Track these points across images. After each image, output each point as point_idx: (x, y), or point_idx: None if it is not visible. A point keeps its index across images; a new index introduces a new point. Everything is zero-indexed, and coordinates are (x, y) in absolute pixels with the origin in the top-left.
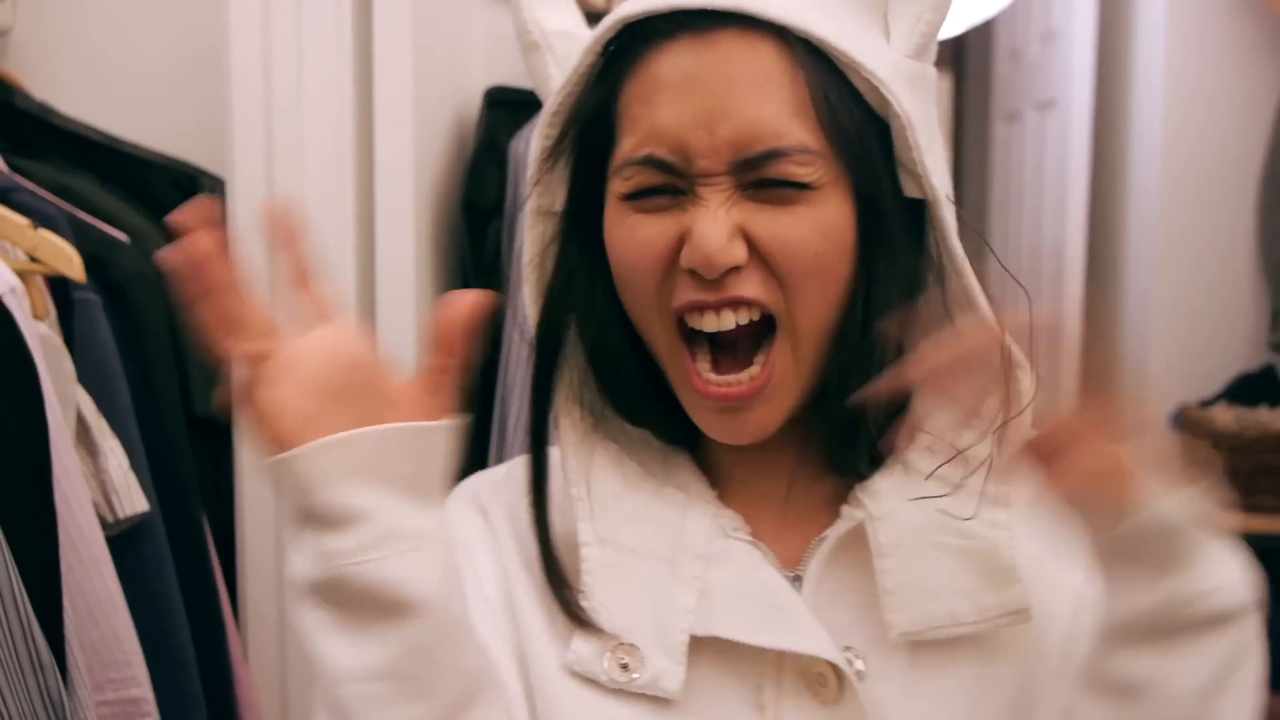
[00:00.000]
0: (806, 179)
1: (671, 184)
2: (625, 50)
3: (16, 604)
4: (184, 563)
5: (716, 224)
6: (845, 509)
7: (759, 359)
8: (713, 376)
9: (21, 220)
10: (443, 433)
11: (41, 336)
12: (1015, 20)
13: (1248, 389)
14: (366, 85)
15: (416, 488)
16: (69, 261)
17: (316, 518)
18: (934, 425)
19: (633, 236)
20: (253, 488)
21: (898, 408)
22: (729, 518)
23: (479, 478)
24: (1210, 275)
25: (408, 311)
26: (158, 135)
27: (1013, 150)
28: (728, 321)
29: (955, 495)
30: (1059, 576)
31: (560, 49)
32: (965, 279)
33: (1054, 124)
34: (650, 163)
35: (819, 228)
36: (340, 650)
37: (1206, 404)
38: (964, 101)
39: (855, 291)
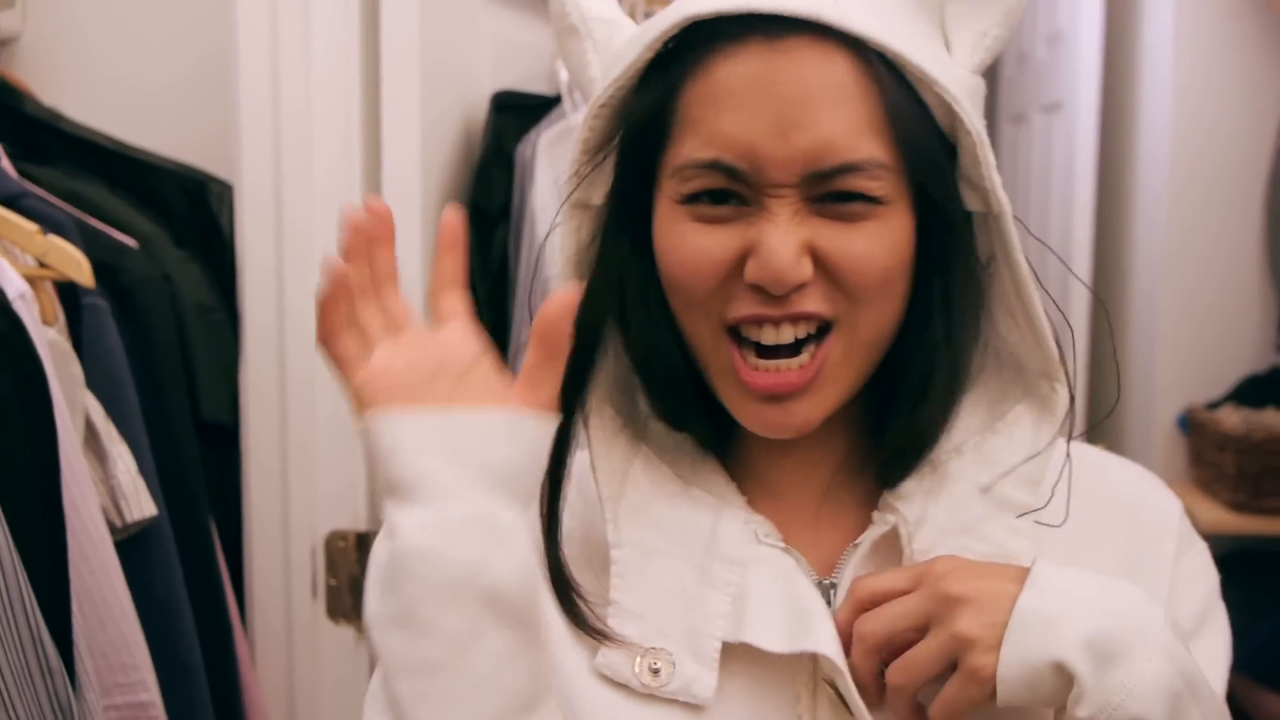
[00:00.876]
0: (877, 193)
1: (736, 191)
2: (686, 48)
3: (25, 608)
4: (191, 567)
5: (787, 240)
6: (877, 514)
7: (807, 350)
8: (760, 362)
9: (31, 226)
10: (540, 425)
11: (50, 342)
12: (1021, 22)
13: (1255, 391)
14: (374, 90)
15: (510, 480)
16: (78, 267)
17: (402, 487)
18: (962, 427)
19: (689, 244)
20: (260, 492)
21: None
22: (760, 523)
23: None
24: (1218, 277)
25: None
26: (166, 141)
27: (1020, 153)
28: (786, 335)
29: (985, 499)
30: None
31: (600, 35)
32: (1025, 292)
33: (1061, 126)
34: (717, 167)
35: (886, 243)
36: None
37: (1214, 406)
38: None
39: (915, 303)
